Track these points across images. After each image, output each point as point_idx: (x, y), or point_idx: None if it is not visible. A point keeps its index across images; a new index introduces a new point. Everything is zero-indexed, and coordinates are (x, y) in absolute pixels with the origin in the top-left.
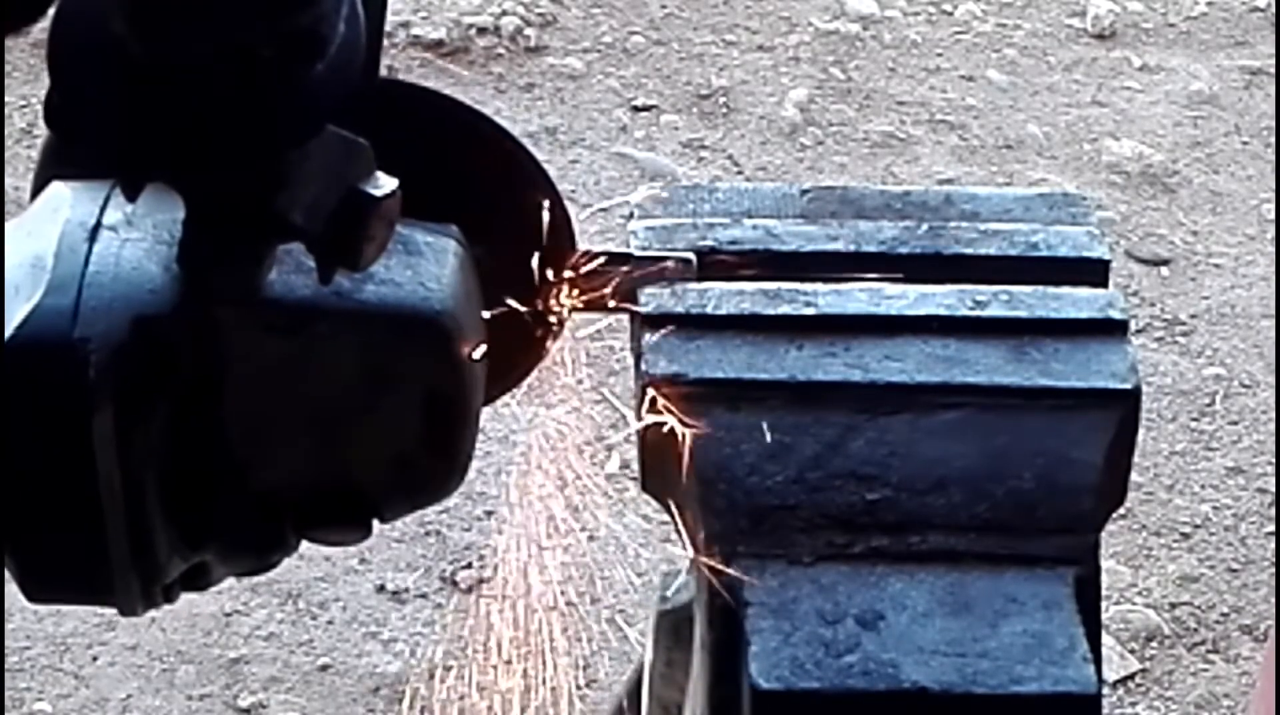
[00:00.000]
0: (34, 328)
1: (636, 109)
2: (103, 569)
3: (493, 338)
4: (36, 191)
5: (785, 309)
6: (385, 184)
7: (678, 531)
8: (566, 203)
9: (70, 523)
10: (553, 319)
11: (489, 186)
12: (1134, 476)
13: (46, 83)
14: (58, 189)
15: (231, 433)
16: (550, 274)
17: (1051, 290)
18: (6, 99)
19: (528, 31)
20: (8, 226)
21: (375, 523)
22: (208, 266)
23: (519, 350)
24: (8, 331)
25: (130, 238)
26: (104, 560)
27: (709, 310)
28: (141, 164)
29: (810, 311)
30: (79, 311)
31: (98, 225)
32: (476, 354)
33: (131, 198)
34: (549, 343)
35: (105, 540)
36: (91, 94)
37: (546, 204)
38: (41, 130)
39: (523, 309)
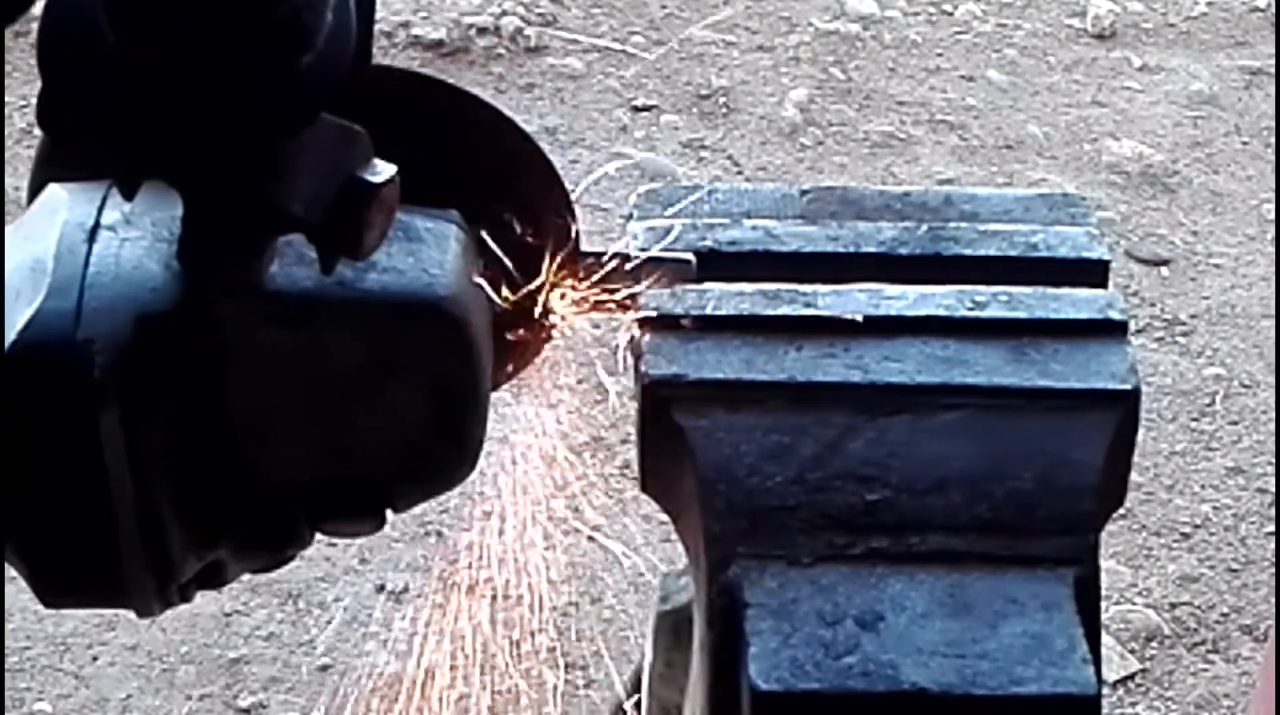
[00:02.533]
0: (37, 331)
1: (636, 109)
2: (116, 571)
3: (496, 324)
4: (33, 195)
5: (785, 310)
6: (384, 171)
7: (678, 532)
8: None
9: (82, 525)
10: (555, 306)
11: (488, 171)
12: (1134, 476)
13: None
14: (54, 191)
15: (239, 427)
16: (552, 259)
17: (1051, 291)
18: (6, 99)
19: (528, 31)
20: (5, 231)
21: (388, 512)
22: (208, 262)
23: (522, 336)
24: (10, 336)
25: (129, 237)
26: (117, 562)
27: (708, 311)
28: (135, 161)
29: (810, 312)
30: (81, 313)
31: (96, 226)
32: (482, 338)
33: (128, 197)
34: (551, 328)
35: (118, 542)
36: (82, 93)
37: (547, 187)
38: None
39: (527, 296)
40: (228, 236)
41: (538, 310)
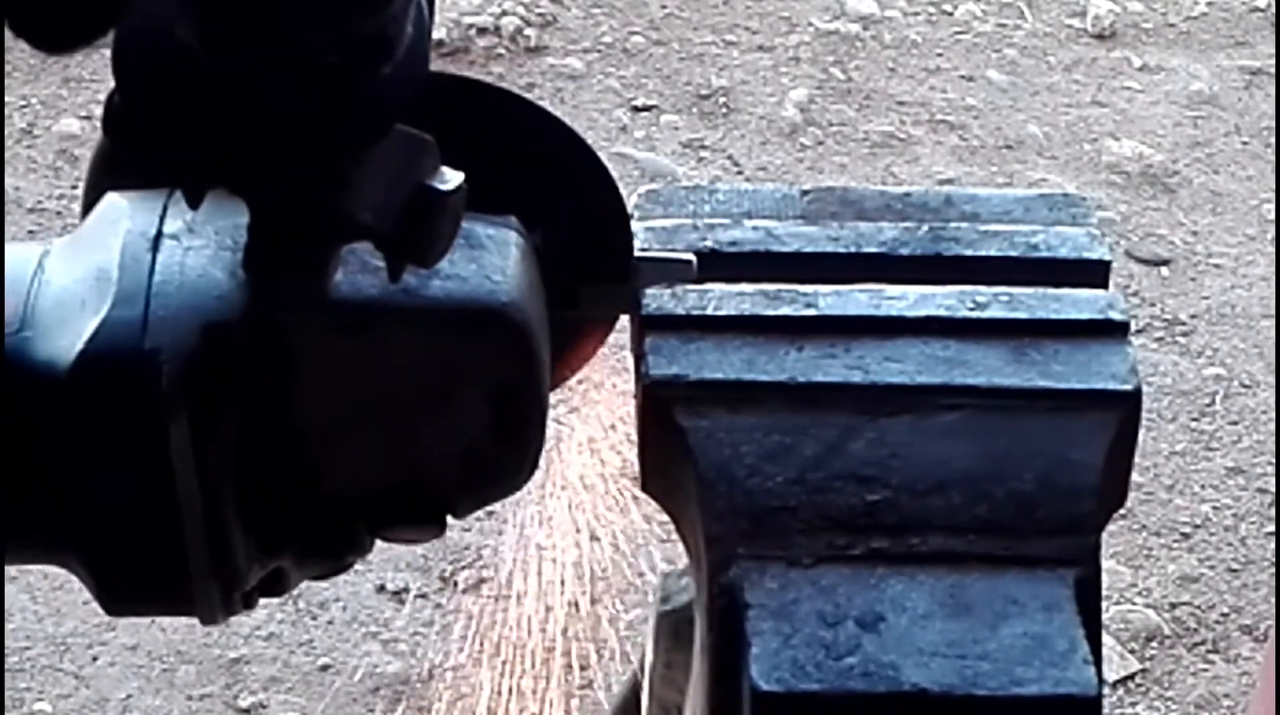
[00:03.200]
0: (104, 340)
1: (636, 109)
2: (183, 580)
3: (552, 327)
4: (89, 205)
5: (785, 310)
6: (452, 179)
7: (678, 533)
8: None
9: (148, 535)
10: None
11: (545, 177)
12: (1134, 476)
13: (46, 83)
14: (113, 200)
15: (304, 436)
16: (607, 267)
17: (1052, 291)
18: (7, 99)
19: (528, 31)
20: (63, 242)
21: (448, 518)
22: (274, 271)
23: (574, 340)
24: (78, 345)
25: (193, 245)
26: (184, 571)
27: (709, 311)
28: (207, 172)
29: (810, 312)
30: (148, 322)
31: (159, 234)
32: (543, 344)
33: (194, 205)
34: (605, 333)
35: (185, 551)
36: (156, 101)
37: (602, 194)
38: (42, 130)
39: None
40: (294, 245)
41: (594, 312)
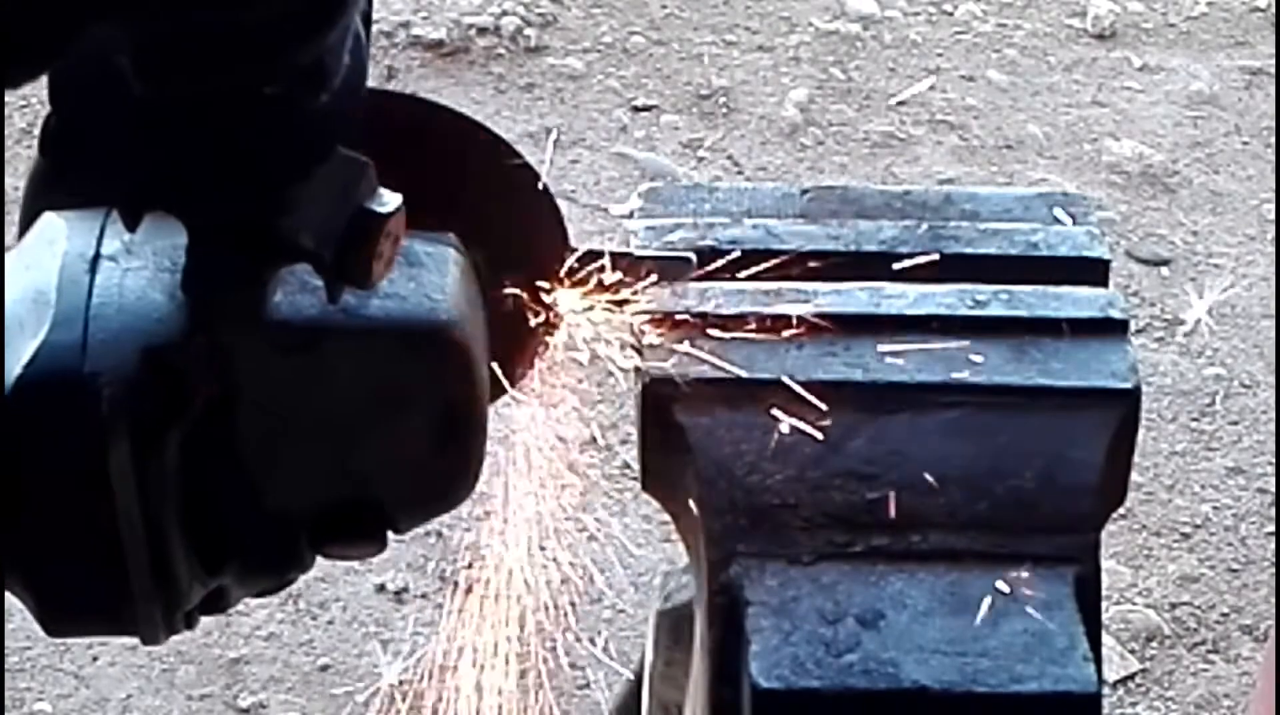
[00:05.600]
0: (44, 364)
1: (636, 109)
2: (125, 601)
3: (492, 340)
4: (26, 221)
5: (785, 308)
6: (390, 200)
7: (679, 530)
8: (561, 201)
9: (90, 558)
10: (550, 320)
11: (481, 192)
12: (1134, 476)
13: (46, 83)
14: (51, 220)
15: (245, 455)
16: (546, 275)
17: (1052, 290)
18: (7, 99)
19: (528, 31)
20: (5, 257)
21: (389, 534)
22: (213, 292)
23: (516, 352)
24: (17, 369)
25: (131, 267)
26: (126, 593)
27: (709, 309)
28: (145, 198)
29: (810, 310)
30: (87, 345)
31: (97, 256)
32: (482, 359)
33: (132, 228)
34: (546, 344)
35: (127, 573)
36: (93, 126)
37: (540, 204)
38: None
39: (526, 310)
40: (232, 266)
41: (535, 322)
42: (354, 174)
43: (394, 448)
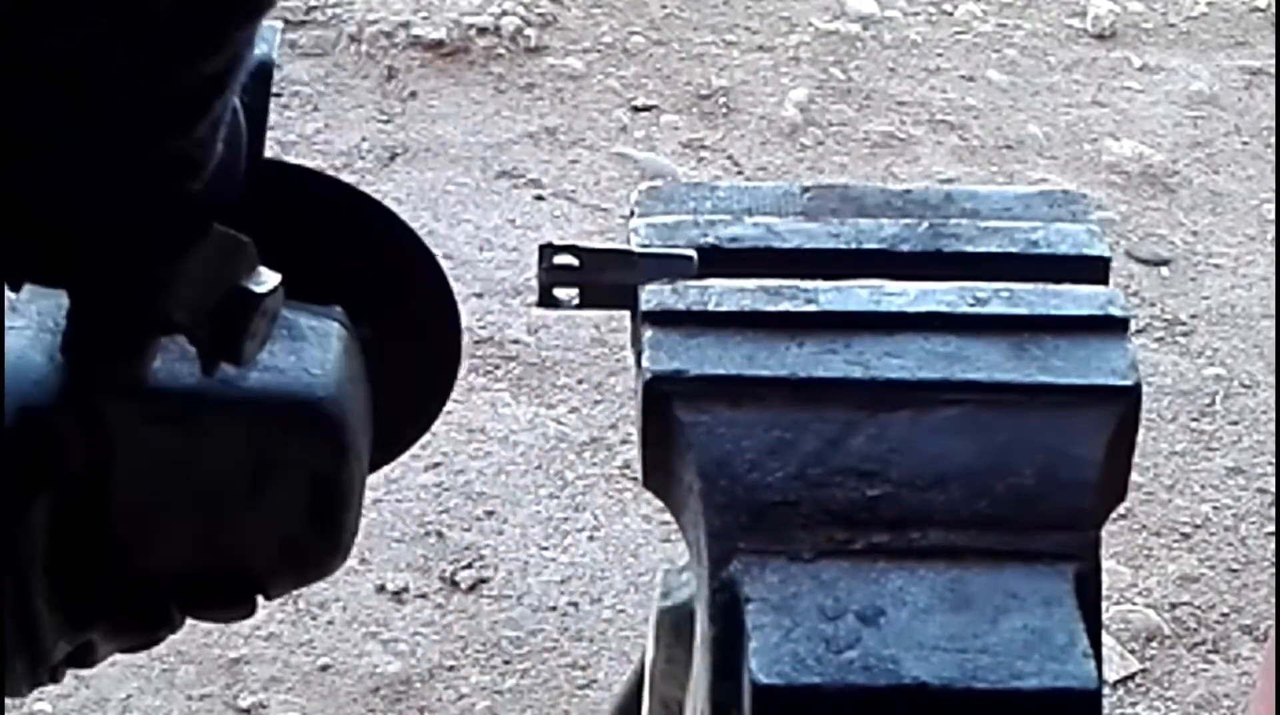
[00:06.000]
0: None
1: (636, 109)
2: None
3: (381, 403)
4: None
5: (786, 306)
6: (268, 280)
7: (680, 528)
8: (562, 201)
9: None
10: (438, 390)
11: (371, 263)
12: (1134, 476)
13: None
14: None
15: (117, 521)
16: (435, 348)
17: (1052, 287)
18: None
19: (528, 31)
20: None
21: (259, 598)
22: (91, 358)
23: (406, 416)
24: None
25: (15, 326)
26: None
27: (710, 307)
28: (17, 273)
29: (811, 308)
30: None
31: None
32: (361, 436)
33: (16, 290)
34: (436, 411)
35: None
36: None
37: (430, 277)
38: None
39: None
40: (112, 334)
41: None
42: (231, 252)
43: (266, 520)
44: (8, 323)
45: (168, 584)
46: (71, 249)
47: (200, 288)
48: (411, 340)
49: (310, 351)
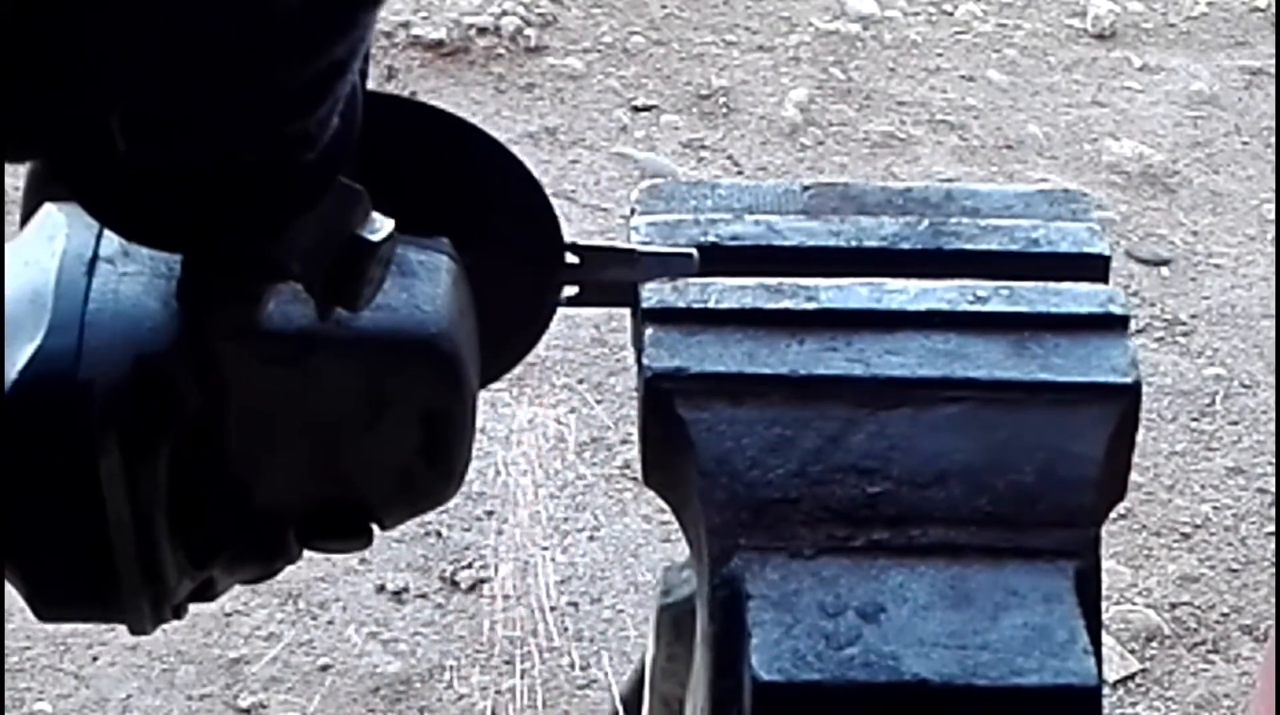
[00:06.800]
0: (39, 370)
1: (636, 109)
2: (114, 595)
3: (487, 322)
4: (28, 213)
5: (786, 304)
6: (382, 227)
7: (680, 525)
8: (561, 201)
9: (82, 556)
10: (545, 308)
11: (476, 191)
12: (1134, 476)
13: None
14: (51, 213)
15: (235, 460)
16: (541, 273)
17: (1052, 285)
18: None
19: (528, 31)
20: (5, 248)
21: (375, 529)
22: (207, 303)
23: (512, 333)
24: (13, 373)
25: (128, 271)
26: (115, 589)
27: (710, 305)
28: (132, 238)
29: (811, 306)
30: (82, 352)
31: (95, 257)
32: (471, 368)
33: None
34: (542, 328)
35: (116, 572)
36: (82, 173)
37: (534, 204)
38: None
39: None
40: (228, 282)
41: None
42: (346, 202)
43: (380, 454)
44: (120, 268)
45: (286, 518)
46: (183, 222)
47: (317, 238)
48: (513, 264)
49: (421, 287)
